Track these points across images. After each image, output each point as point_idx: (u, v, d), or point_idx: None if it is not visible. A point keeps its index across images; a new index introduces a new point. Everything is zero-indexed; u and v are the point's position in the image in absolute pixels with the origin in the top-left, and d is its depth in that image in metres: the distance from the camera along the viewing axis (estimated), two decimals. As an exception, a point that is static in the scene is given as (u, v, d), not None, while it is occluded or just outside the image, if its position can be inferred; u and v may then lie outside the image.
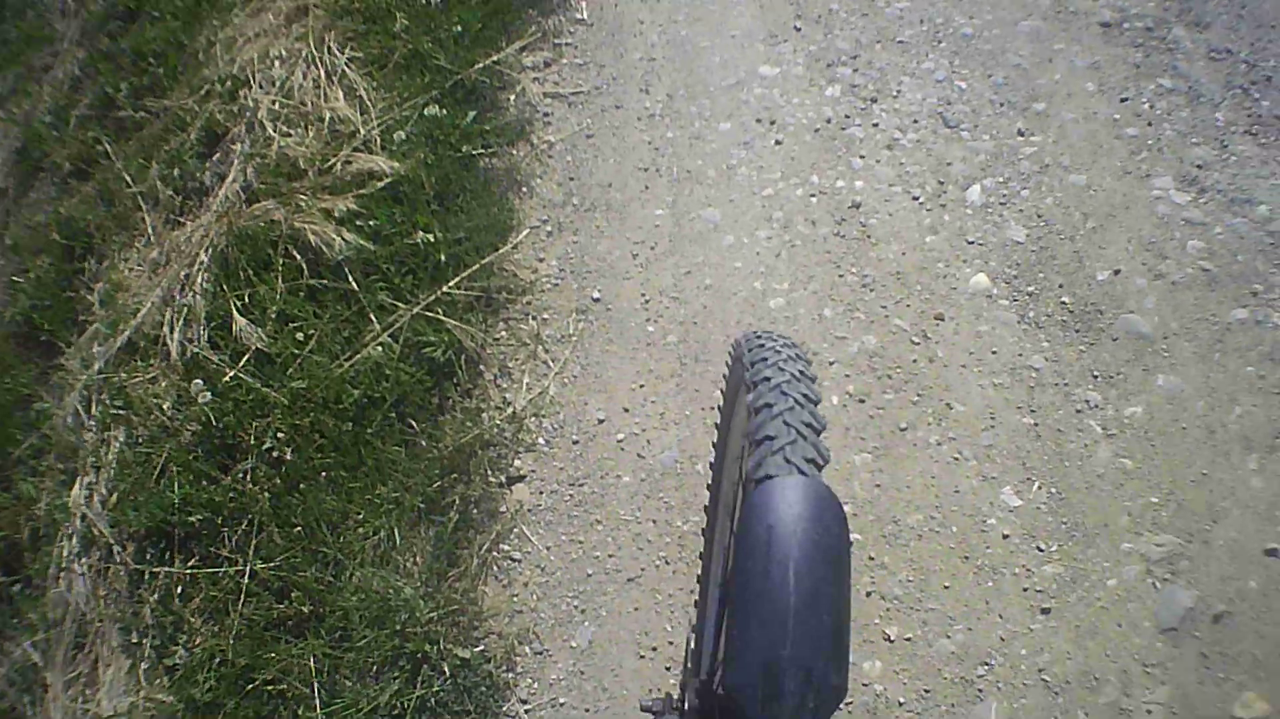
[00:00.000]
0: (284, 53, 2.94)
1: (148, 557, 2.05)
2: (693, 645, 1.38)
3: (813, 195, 2.59)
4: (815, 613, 0.78)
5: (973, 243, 2.49)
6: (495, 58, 2.77)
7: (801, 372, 1.02)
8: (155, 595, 2.01)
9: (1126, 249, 2.46)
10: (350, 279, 2.31)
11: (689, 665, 1.36)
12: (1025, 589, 2.01)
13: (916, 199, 2.57)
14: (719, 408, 1.43)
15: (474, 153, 2.61)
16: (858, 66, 2.82)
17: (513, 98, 2.77)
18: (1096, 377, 2.27)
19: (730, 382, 1.29)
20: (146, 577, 2.02)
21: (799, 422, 0.92)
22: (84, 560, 2.11)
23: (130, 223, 2.74)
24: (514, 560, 2.08)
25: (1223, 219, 2.50)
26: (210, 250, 2.45)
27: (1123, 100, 2.74)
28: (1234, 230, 2.48)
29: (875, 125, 2.69)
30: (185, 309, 2.36)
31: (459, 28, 2.79)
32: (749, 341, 1.12)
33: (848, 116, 2.72)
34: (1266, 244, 2.45)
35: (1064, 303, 2.38)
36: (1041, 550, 2.06)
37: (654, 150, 2.69)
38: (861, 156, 2.64)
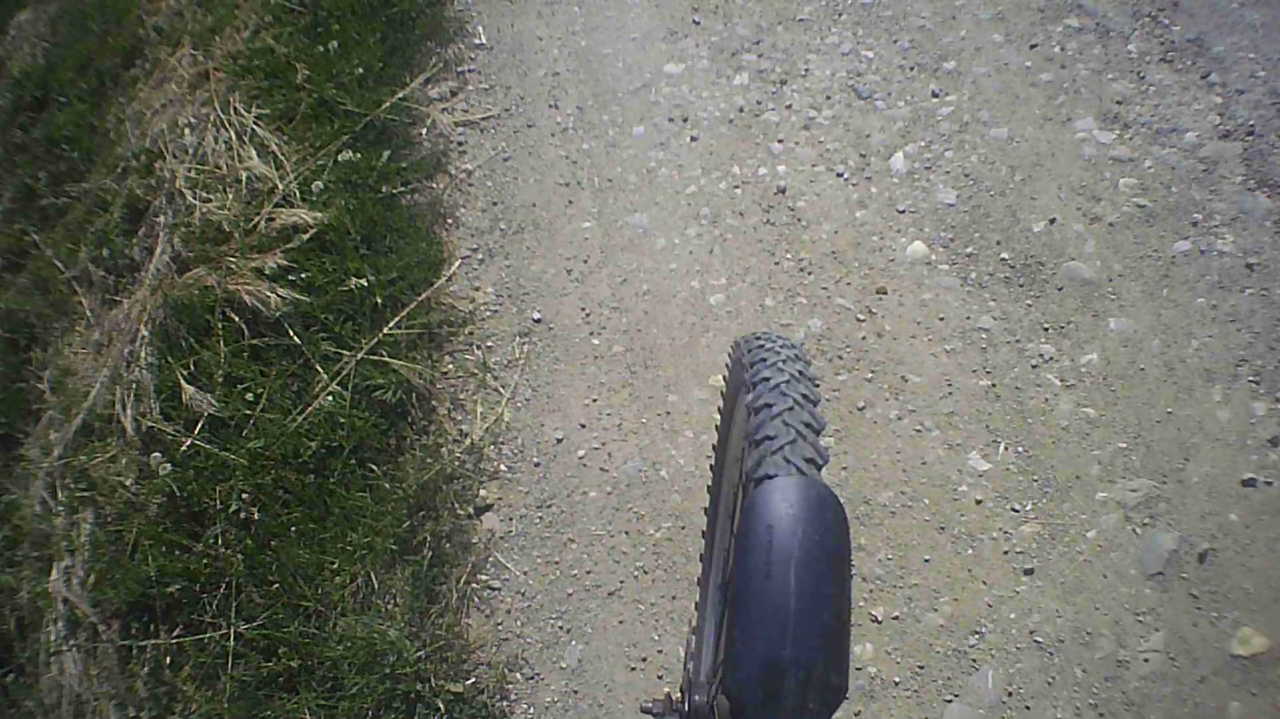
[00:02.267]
0: (193, 119, 2.92)
1: (133, 631, 2.06)
2: (693, 647, 1.38)
3: (736, 186, 2.54)
4: (815, 613, 0.78)
5: (904, 211, 2.46)
6: (401, 94, 2.73)
7: (801, 372, 1.02)
8: (146, 669, 2.02)
9: (1059, 196, 2.43)
10: (291, 333, 2.30)
11: (689, 667, 1.37)
12: (1006, 552, 1.98)
13: (841, 175, 2.53)
14: (719, 409, 1.44)
15: (394, 192, 2.58)
16: (762, 51, 2.79)
17: (424, 131, 2.73)
18: (1047, 329, 2.24)
19: (730, 383, 1.29)
20: (134, 651, 2.04)
21: (798, 421, 0.93)
22: (72, 643, 2.12)
23: (68, 307, 2.73)
24: (493, 589, 2.05)
25: (1151, 152, 2.47)
26: (149, 324, 2.45)
27: (1032, 46, 2.72)
28: (1164, 162, 2.45)
29: (789, 107, 2.65)
30: (134, 385, 2.36)
31: (360, 70, 2.75)
32: (748, 343, 1.12)
33: (759, 102, 2.68)
34: (1199, 171, 2.42)
35: (1004, 259, 2.35)
36: (1017, 511, 2.02)
37: (572, 164, 2.64)
38: (780, 140, 2.60)
